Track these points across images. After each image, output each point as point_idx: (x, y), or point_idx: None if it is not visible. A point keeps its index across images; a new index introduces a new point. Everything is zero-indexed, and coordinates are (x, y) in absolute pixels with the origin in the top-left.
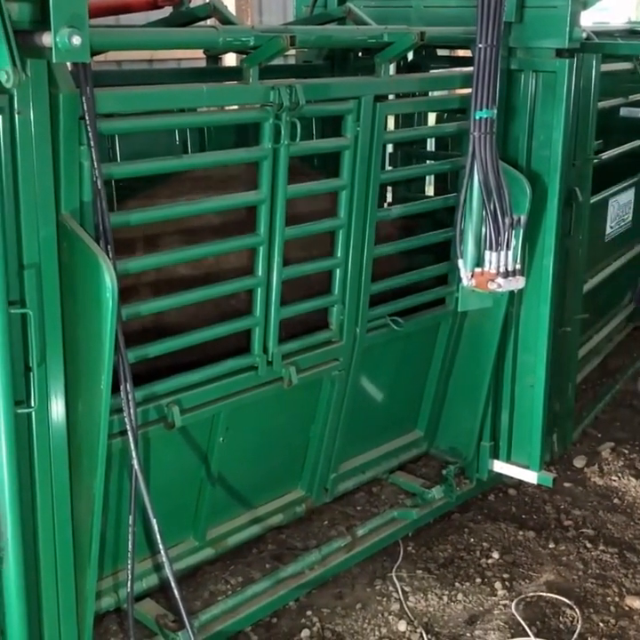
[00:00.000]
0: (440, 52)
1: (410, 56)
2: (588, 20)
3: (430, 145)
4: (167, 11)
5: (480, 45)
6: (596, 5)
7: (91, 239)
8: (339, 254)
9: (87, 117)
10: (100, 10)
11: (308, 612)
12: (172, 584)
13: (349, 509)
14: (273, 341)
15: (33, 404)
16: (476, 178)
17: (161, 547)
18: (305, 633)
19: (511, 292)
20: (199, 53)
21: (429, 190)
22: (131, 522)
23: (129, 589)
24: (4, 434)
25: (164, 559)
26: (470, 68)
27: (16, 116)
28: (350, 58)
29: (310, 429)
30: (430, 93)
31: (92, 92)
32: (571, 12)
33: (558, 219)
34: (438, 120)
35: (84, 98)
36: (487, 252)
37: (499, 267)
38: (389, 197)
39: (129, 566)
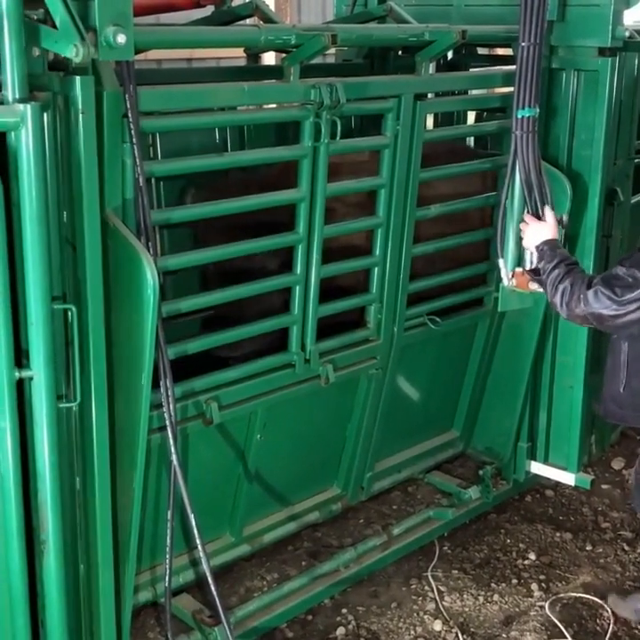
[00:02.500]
0: (480, 51)
1: (449, 55)
2: (631, 18)
3: (469, 144)
4: (209, 9)
5: (523, 44)
6: (638, 4)
7: (133, 236)
8: (377, 253)
9: (130, 115)
10: (143, 8)
11: (344, 610)
12: (209, 580)
13: (385, 508)
14: (310, 339)
15: (75, 399)
16: (517, 177)
17: (199, 542)
18: (340, 631)
19: None
20: (239, 52)
21: None
22: (169, 517)
23: (167, 584)
24: (46, 428)
25: (202, 555)
26: (511, 67)
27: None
28: (390, 56)
29: (347, 428)
30: (470, 92)
31: (135, 89)
32: (614, 11)
33: (599, 219)
34: (477, 119)
35: (127, 96)
36: (527, 252)
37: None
38: None
39: (167, 561)
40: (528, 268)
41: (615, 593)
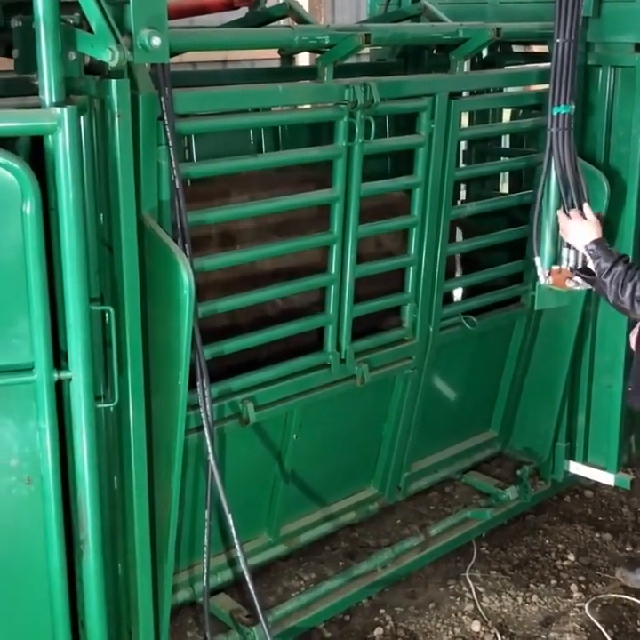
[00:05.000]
0: (515, 48)
1: (484, 52)
2: None
3: (504, 142)
4: (243, 11)
5: (558, 40)
6: None
7: (169, 238)
8: (412, 252)
9: (166, 117)
10: (176, 12)
11: (381, 611)
12: (248, 579)
13: (422, 508)
14: (346, 339)
15: (113, 400)
16: (553, 174)
17: (236, 542)
18: (378, 631)
19: (589, 290)
20: (273, 53)
21: (504, 188)
22: (207, 516)
23: (205, 583)
24: (84, 428)
25: (240, 554)
26: (546, 64)
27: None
28: (424, 55)
29: (383, 427)
30: (505, 90)
31: (170, 92)
32: None
33: (637, 216)
34: (513, 116)
35: (162, 98)
36: (565, 250)
37: (576, 264)
38: (463, 195)
39: (205, 560)
40: (565, 265)
41: (623, 566)
